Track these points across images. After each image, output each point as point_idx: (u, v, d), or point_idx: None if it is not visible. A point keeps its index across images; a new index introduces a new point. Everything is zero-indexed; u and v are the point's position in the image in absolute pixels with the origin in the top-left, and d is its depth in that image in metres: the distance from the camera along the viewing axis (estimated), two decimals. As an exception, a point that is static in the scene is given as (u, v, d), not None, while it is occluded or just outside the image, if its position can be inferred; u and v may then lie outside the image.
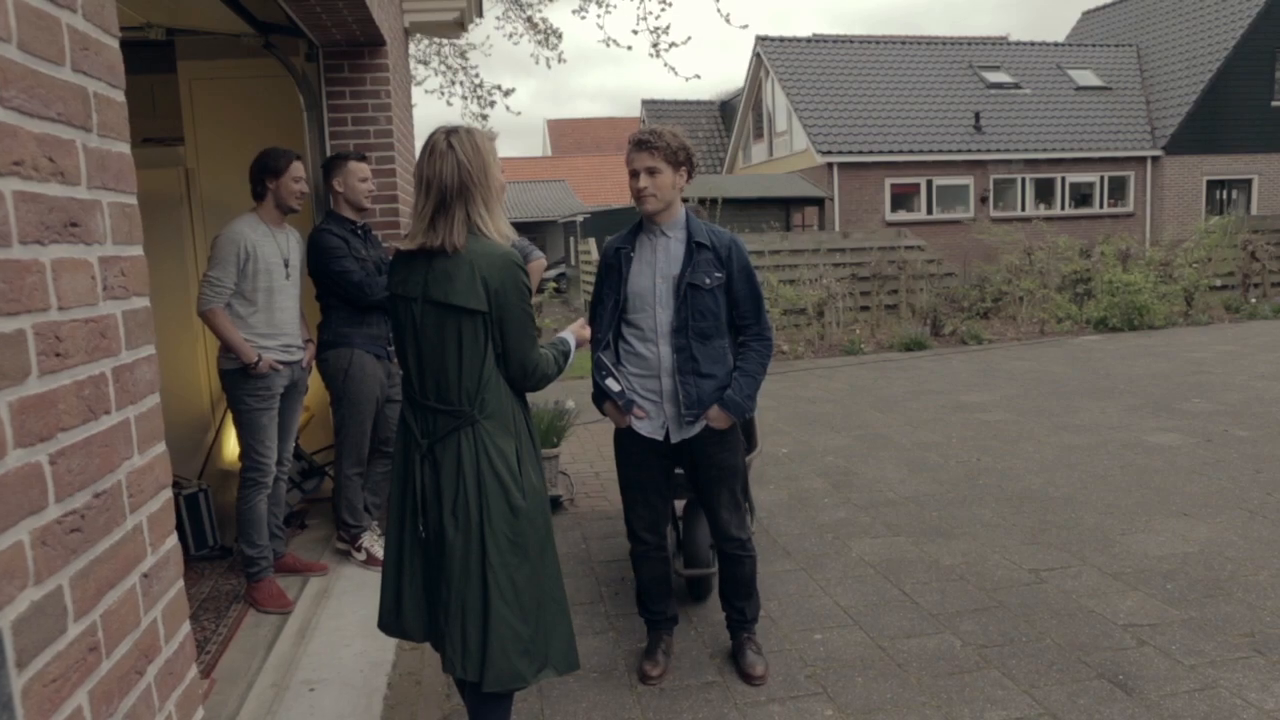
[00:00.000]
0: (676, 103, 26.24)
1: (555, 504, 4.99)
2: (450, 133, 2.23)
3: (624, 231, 3.14)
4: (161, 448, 1.24)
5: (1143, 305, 12.09)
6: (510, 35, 12.15)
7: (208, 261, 3.61)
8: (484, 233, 2.20)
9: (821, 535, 4.59)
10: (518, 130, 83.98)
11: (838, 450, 6.40)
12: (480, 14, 5.99)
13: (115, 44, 1.17)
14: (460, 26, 5.75)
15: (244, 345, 3.56)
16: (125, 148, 1.20)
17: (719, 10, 9.08)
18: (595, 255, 19.63)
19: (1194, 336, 11.50)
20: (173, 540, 1.26)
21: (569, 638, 2.34)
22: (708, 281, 2.94)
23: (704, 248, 2.97)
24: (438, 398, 2.26)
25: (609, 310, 3.04)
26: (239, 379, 3.60)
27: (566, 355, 2.51)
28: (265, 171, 3.63)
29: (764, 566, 4.19)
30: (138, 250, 1.21)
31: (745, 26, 9.62)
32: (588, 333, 2.75)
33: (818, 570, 4.12)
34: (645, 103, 26.20)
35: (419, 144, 5.96)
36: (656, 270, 2.98)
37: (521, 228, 30.58)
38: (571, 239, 24.77)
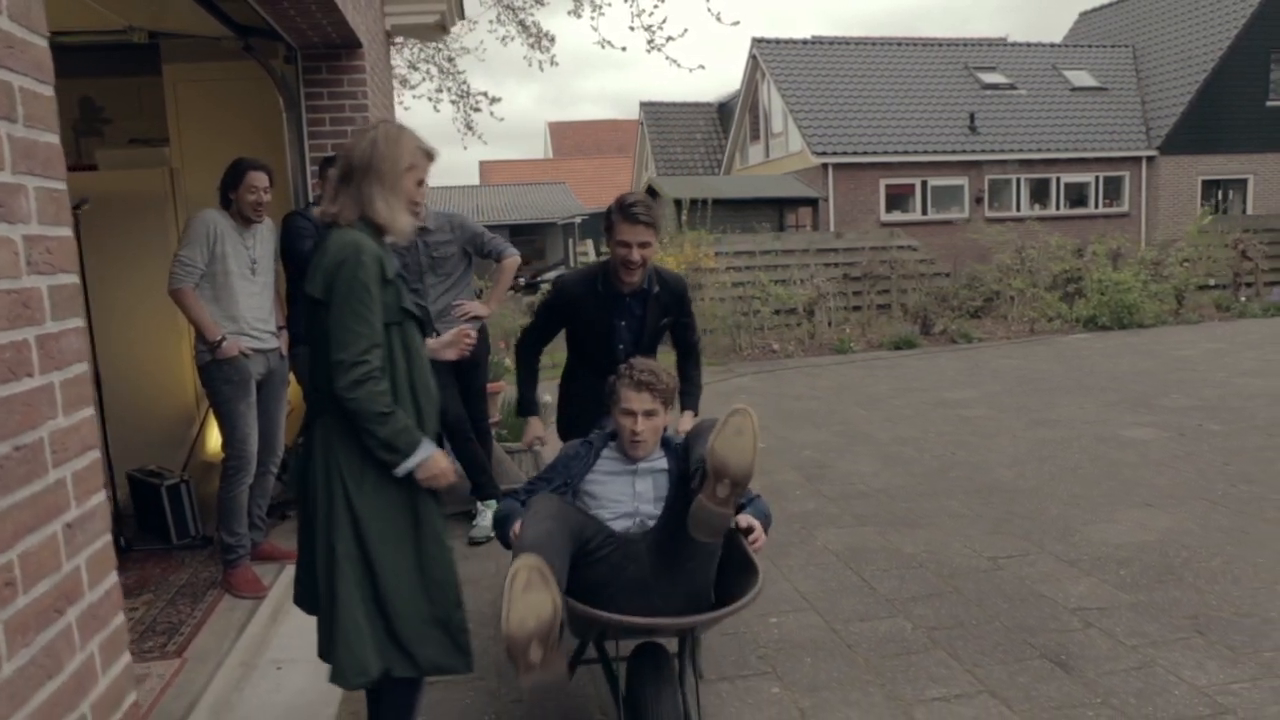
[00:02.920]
0: (675, 105, 26.35)
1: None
2: (383, 122, 2.33)
3: (589, 443, 2.93)
4: (89, 412, 1.35)
5: (1132, 304, 12.16)
6: (503, 39, 12.30)
7: (179, 242, 3.74)
8: (374, 217, 2.20)
9: (789, 525, 4.69)
10: (521, 132, 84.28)
11: (816, 445, 6.50)
12: (462, 16, 6.11)
13: (43, 43, 1.28)
14: (442, 29, 5.87)
15: (210, 323, 3.67)
16: (54, 138, 1.31)
17: (709, 9, 9.18)
18: (593, 256, 19.69)
19: (1182, 335, 11.57)
20: (99, 498, 1.37)
21: (442, 640, 2.25)
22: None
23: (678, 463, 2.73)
24: (312, 384, 2.26)
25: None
26: (213, 370, 3.71)
27: (400, 438, 2.14)
28: (225, 185, 3.78)
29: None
30: (66, 231, 1.32)
31: (737, 23, 9.67)
32: (447, 473, 2.28)
33: (781, 558, 4.22)
34: (644, 105, 26.31)
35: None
36: (637, 509, 2.74)
37: (522, 229, 30.75)
38: (570, 240, 24.91)
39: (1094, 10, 24.51)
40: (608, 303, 3.29)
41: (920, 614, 3.55)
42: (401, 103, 12.14)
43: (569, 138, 42.93)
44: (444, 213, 4.64)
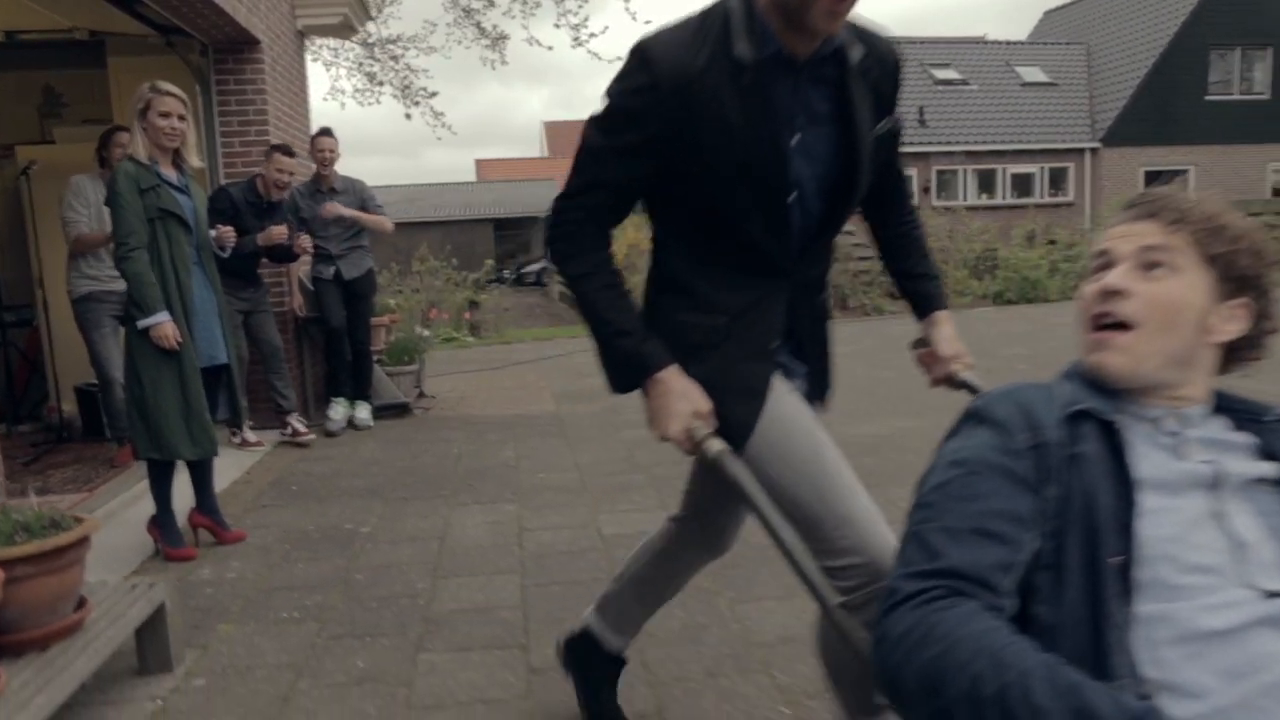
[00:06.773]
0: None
1: (405, 409, 6.22)
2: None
3: None
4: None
5: (1036, 280, 13.12)
6: (460, 42, 13.45)
7: (61, 206, 4.86)
8: (131, 152, 3.28)
9: (603, 430, 5.76)
10: (522, 133, 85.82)
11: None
12: (370, 17, 7.24)
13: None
14: (350, 29, 7.01)
15: (103, 236, 4.66)
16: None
17: (627, 9, 10.28)
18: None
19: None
20: None
21: (179, 434, 3.24)
22: None
23: None
24: None
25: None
26: (80, 305, 4.83)
27: (145, 301, 3.10)
28: (99, 147, 4.93)
29: (527, 428, 5.44)
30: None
31: (649, 23, 10.77)
32: (169, 338, 3.16)
33: (579, 444, 5.31)
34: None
35: (314, 126, 7.13)
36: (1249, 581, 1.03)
37: (508, 223, 31.73)
38: (553, 233, 26.09)
39: (1056, 9, 25.40)
40: (765, 90, 1.41)
41: (658, 473, 4.62)
42: (371, 98, 13.26)
43: (566, 137, 44.08)
44: (349, 178, 5.89)
